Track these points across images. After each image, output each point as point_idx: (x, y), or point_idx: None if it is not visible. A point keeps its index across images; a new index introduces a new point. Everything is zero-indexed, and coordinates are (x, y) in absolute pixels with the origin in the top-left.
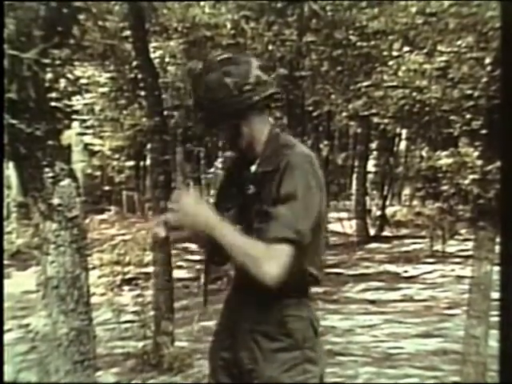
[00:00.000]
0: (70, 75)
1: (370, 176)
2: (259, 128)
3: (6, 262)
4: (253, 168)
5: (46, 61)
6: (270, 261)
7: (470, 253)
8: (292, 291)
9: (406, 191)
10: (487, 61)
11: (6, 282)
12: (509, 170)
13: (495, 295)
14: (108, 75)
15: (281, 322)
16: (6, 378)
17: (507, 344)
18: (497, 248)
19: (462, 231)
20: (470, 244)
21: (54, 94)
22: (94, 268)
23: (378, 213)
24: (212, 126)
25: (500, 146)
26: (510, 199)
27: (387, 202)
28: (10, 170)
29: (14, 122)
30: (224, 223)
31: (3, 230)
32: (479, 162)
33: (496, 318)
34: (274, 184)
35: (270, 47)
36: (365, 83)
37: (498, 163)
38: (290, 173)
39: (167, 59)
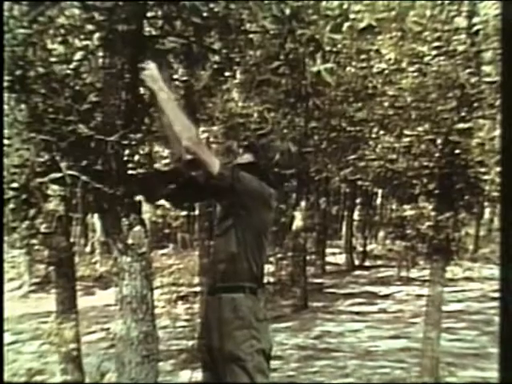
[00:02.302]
0: (142, 151)
1: (355, 222)
2: None
3: (91, 283)
4: None
5: (125, 142)
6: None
7: (426, 278)
8: (241, 289)
9: (381, 233)
10: (438, 141)
11: (91, 298)
12: (509, 169)
13: (445, 308)
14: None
15: (234, 309)
16: (89, 367)
17: (507, 344)
18: (446, 274)
19: (421, 262)
20: (427, 271)
21: (130, 165)
22: (156, 288)
23: (361, 249)
24: None
25: (501, 148)
26: (509, 198)
27: (367, 241)
28: (95, 219)
29: (99, 186)
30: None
31: (3, 238)
32: (433, 213)
33: (445, 325)
34: None
35: (285, 131)
36: (352, 157)
37: (447, 214)
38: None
39: (211, 139)
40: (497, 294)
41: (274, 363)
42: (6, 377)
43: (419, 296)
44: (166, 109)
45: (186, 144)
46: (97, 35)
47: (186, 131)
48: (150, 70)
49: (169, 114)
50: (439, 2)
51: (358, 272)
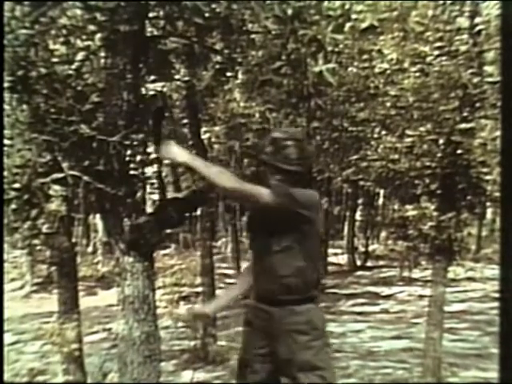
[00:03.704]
0: (143, 152)
1: (357, 223)
2: None
3: (93, 283)
4: None
5: (127, 142)
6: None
7: (428, 278)
8: (310, 300)
9: (383, 234)
10: (440, 141)
11: (93, 298)
12: (509, 169)
13: (447, 309)
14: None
15: (309, 321)
16: (92, 367)
17: (507, 344)
18: (448, 275)
19: (423, 262)
20: (429, 272)
21: (131, 165)
22: (158, 288)
23: (363, 249)
24: None
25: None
26: (510, 199)
27: (369, 242)
28: (97, 219)
29: (101, 186)
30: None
31: (3, 238)
32: (435, 214)
33: (447, 325)
34: None
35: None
36: (354, 157)
37: (450, 214)
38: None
39: (213, 139)
40: (498, 295)
41: None
42: (8, 377)
43: (421, 296)
44: (197, 170)
45: (230, 187)
46: (99, 36)
47: (223, 179)
48: (169, 147)
49: (201, 173)
50: (441, 2)
51: (359, 272)
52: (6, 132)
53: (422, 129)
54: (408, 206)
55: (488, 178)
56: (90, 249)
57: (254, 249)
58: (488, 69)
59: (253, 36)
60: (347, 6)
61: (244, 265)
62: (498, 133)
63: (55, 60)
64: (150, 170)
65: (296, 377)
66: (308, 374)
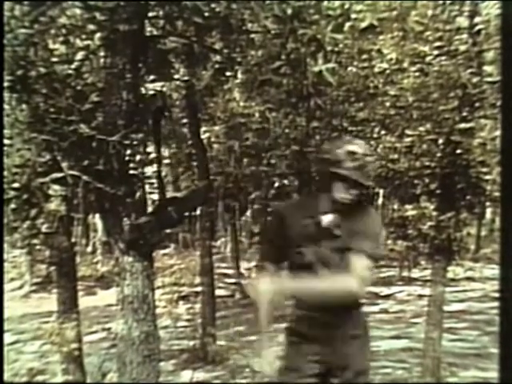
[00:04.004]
0: (143, 151)
1: None
2: None
3: (92, 283)
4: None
5: (126, 142)
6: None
7: (428, 278)
8: (358, 304)
9: (382, 233)
10: (440, 141)
11: (92, 297)
12: (509, 169)
13: (446, 308)
14: (171, 151)
15: (362, 324)
16: (91, 367)
17: (507, 344)
18: (447, 274)
19: (423, 262)
20: (428, 271)
21: (131, 165)
22: (158, 288)
23: None
24: None
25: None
26: (509, 199)
27: None
28: (97, 219)
29: (100, 185)
30: (292, 282)
31: (3, 238)
32: (434, 213)
33: (447, 325)
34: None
35: (287, 131)
36: None
37: (449, 214)
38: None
39: (213, 139)
40: (498, 294)
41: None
42: (8, 376)
43: (421, 296)
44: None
45: (358, 290)
46: (98, 35)
47: (339, 285)
48: (260, 287)
49: (315, 294)
50: (441, 1)
51: None
52: (6, 132)
53: (421, 128)
54: (407, 206)
55: (487, 177)
56: (89, 248)
57: (307, 262)
58: (487, 68)
59: (252, 36)
60: (347, 6)
61: (243, 264)
62: (498, 132)
63: (55, 59)
64: (149, 170)
65: (349, 380)
66: (358, 378)
